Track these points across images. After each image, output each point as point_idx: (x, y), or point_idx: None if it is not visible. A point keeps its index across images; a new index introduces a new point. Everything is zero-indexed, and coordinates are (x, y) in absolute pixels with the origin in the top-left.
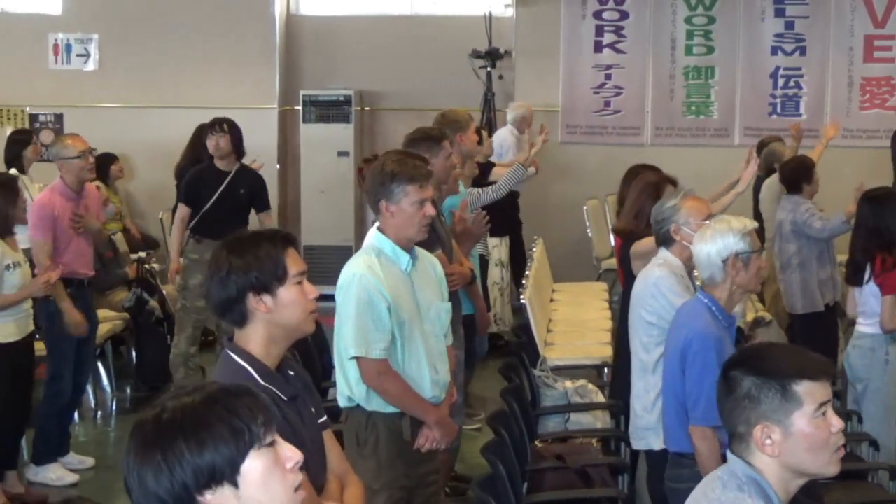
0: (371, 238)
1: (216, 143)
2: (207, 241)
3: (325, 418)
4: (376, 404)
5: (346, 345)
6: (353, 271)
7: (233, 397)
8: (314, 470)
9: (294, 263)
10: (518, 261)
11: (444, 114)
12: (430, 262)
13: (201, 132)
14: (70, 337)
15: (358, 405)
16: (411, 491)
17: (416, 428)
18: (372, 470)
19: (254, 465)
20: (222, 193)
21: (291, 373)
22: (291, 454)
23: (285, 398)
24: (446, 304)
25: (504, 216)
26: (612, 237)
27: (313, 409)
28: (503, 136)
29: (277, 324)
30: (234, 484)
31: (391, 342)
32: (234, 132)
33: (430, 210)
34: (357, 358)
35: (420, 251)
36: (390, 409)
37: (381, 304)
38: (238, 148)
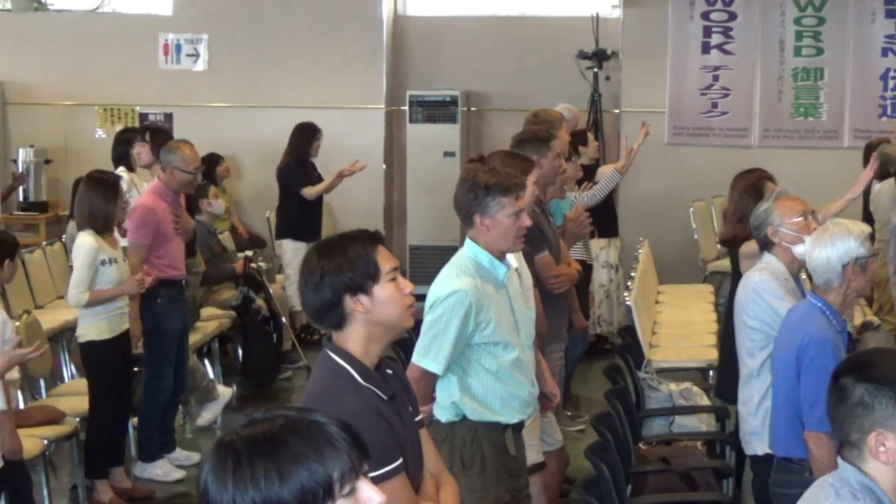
0: (465, 249)
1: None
2: None
3: (420, 417)
4: (480, 413)
5: (418, 349)
6: (459, 287)
7: (307, 437)
8: (412, 469)
9: (385, 260)
10: None
11: (535, 113)
12: (515, 269)
13: (300, 132)
14: (170, 336)
15: (464, 417)
16: None
17: (517, 441)
18: (479, 489)
19: None
20: None
21: (389, 371)
22: (373, 495)
23: (385, 397)
24: (531, 313)
25: (612, 218)
26: (719, 246)
27: (410, 408)
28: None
29: (376, 322)
30: None
31: (494, 357)
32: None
33: (526, 221)
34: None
35: (508, 257)
36: (493, 418)
37: (470, 328)
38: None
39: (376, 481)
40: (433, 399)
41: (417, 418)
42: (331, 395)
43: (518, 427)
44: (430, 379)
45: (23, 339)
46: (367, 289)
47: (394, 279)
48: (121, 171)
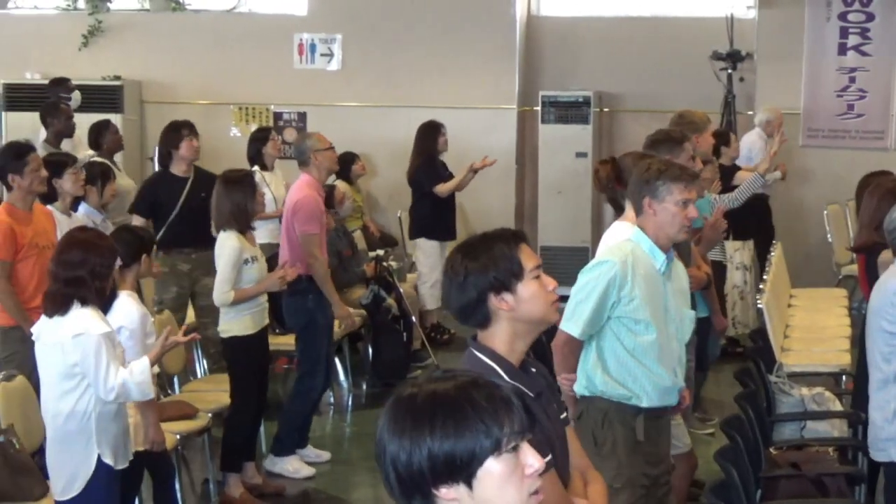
0: (626, 233)
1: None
2: (175, 251)
3: (566, 414)
4: (611, 388)
5: (563, 315)
6: (610, 257)
7: (488, 395)
8: (560, 466)
9: (528, 258)
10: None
11: (681, 114)
12: (681, 270)
13: (423, 131)
14: (322, 331)
15: (600, 394)
16: (648, 490)
17: (652, 429)
18: (613, 469)
19: (493, 469)
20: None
21: (534, 369)
22: (533, 460)
23: (532, 395)
24: (691, 313)
25: (748, 220)
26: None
27: (556, 406)
28: (751, 140)
29: (521, 319)
30: (469, 484)
31: (633, 334)
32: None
33: (693, 212)
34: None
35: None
36: (624, 393)
37: (612, 299)
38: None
39: None
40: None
41: (563, 416)
42: None
43: (653, 414)
44: (574, 345)
45: (159, 336)
46: (511, 287)
47: (537, 277)
48: (254, 169)
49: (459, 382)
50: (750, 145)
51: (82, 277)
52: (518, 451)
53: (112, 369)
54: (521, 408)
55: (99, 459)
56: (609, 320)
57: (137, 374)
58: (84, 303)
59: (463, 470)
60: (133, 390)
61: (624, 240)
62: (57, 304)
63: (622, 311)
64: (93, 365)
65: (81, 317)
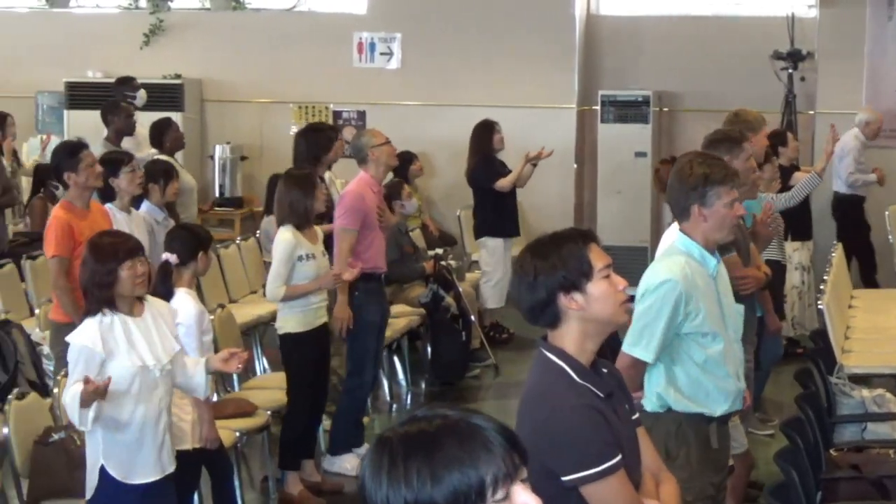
0: (676, 241)
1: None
2: None
3: (637, 415)
4: (684, 405)
5: (629, 338)
6: (669, 276)
7: (467, 441)
8: (630, 467)
9: (598, 258)
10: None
11: (736, 113)
12: (721, 266)
13: (478, 130)
14: (369, 329)
15: (668, 409)
16: (713, 499)
17: (724, 436)
18: (684, 480)
19: None
20: None
21: (604, 370)
22: (527, 499)
23: (602, 395)
24: (740, 307)
25: (806, 220)
26: None
27: (627, 406)
28: (846, 141)
29: (590, 319)
30: None
31: (702, 348)
32: None
33: (739, 210)
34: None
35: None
36: (697, 409)
37: (679, 317)
38: None
39: (596, 478)
40: (642, 387)
41: (634, 416)
42: (548, 393)
43: (723, 420)
44: (641, 367)
45: (217, 333)
46: (581, 286)
47: (607, 276)
48: None
49: (434, 425)
50: (843, 145)
51: (86, 288)
52: (509, 498)
53: (70, 383)
54: (506, 447)
55: (103, 470)
56: (677, 338)
57: (67, 397)
58: (89, 313)
59: None
60: (67, 409)
61: (674, 252)
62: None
63: (689, 326)
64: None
65: (83, 325)
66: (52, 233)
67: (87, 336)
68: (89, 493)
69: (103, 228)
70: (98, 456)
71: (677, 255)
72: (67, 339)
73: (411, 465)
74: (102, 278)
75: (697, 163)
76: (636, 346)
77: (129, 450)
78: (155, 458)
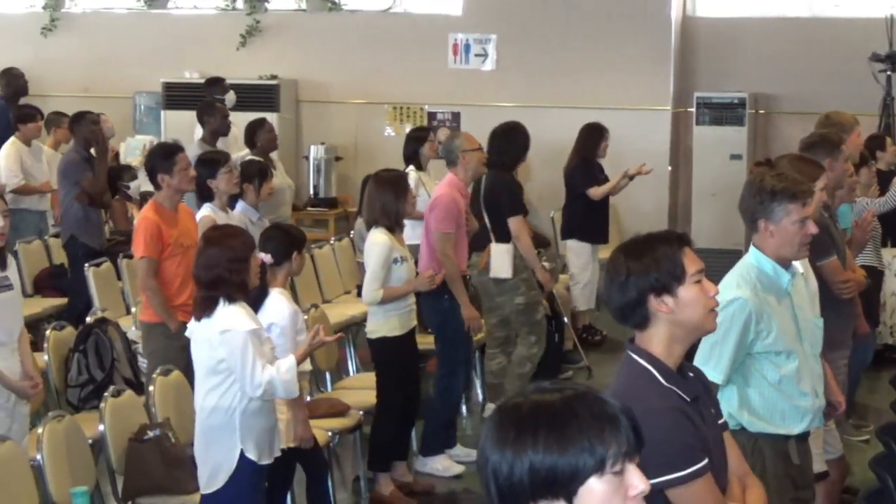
0: (748, 254)
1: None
2: None
3: (723, 419)
4: (759, 426)
5: (698, 357)
6: (738, 295)
7: (595, 411)
8: (716, 470)
9: (691, 262)
10: None
11: (827, 115)
12: (801, 275)
13: (588, 131)
14: (462, 333)
15: (742, 428)
16: None
17: (803, 452)
18: None
19: (595, 489)
20: None
21: (691, 374)
22: (638, 482)
23: (688, 399)
24: (819, 320)
25: None
26: None
27: (713, 410)
28: None
29: (679, 323)
30: (569, 501)
31: (776, 367)
32: None
33: (811, 229)
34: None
35: (794, 263)
36: (773, 430)
37: (750, 337)
38: None
39: (682, 481)
40: None
41: (720, 421)
42: (633, 395)
43: (802, 437)
44: (714, 389)
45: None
46: (672, 289)
47: (699, 281)
48: (409, 169)
49: (566, 395)
50: None
51: (221, 276)
52: (623, 474)
53: (258, 366)
54: (629, 427)
55: (242, 454)
56: (749, 357)
57: (284, 371)
58: (230, 300)
59: (564, 486)
60: (279, 388)
61: (745, 265)
62: (203, 308)
63: (761, 346)
64: (239, 361)
65: (228, 314)
66: (141, 234)
67: (245, 321)
68: (217, 483)
69: (191, 230)
70: (235, 442)
71: (748, 270)
72: (222, 334)
73: (541, 430)
74: (239, 266)
75: (770, 175)
76: (705, 365)
77: (261, 432)
78: (274, 439)
